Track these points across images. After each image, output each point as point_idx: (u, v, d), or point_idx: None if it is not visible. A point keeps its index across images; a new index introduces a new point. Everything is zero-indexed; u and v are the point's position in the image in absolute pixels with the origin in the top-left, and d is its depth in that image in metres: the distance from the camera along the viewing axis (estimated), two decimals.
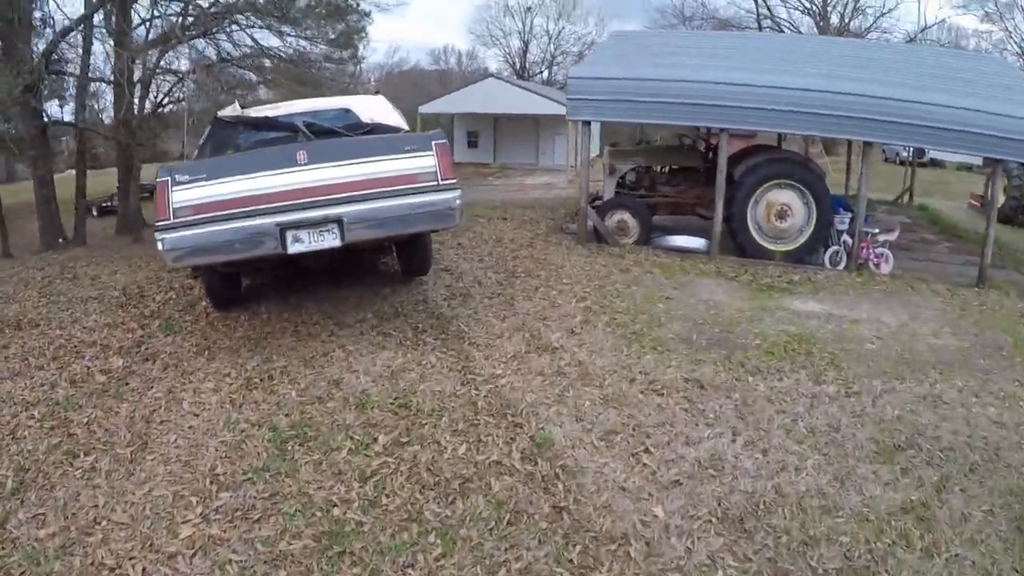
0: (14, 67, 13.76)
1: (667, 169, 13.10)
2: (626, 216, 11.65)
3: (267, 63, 20.55)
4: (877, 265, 10.75)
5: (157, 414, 5.79)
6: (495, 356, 6.65)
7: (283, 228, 6.26)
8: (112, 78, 16.91)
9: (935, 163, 33.31)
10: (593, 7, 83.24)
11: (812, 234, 11.07)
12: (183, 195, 6.20)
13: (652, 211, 12.08)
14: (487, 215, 14.02)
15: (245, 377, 6.37)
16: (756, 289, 9.30)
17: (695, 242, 11.27)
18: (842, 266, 10.76)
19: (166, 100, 21.15)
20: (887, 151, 33.18)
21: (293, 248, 6.33)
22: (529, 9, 64.99)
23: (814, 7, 43.21)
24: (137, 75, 17.27)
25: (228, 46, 19.31)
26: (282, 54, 19.79)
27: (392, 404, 5.73)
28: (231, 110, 8.39)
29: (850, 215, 11.06)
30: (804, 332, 7.48)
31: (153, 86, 19.79)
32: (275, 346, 7.00)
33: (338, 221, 6.30)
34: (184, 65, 19.93)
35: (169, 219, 6.18)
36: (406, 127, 7.92)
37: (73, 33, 16.51)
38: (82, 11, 16.54)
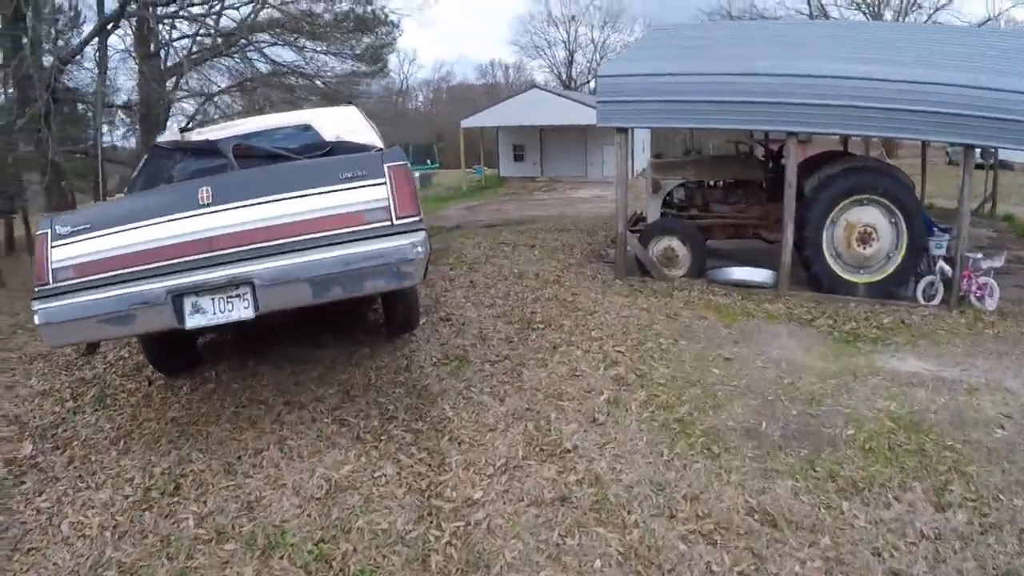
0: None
1: (721, 184, 10.75)
2: (674, 243, 9.57)
3: (293, 80, 18.95)
4: (980, 298, 8.41)
5: (30, 538, 4.50)
6: (479, 464, 4.83)
7: (176, 295, 4.59)
8: (128, 101, 15.72)
9: (1004, 165, 30.01)
10: (639, 13, 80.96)
11: (903, 262, 8.80)
12: (64, 252, 4.78)
13: (705, 235, 9.94)
14: (513, 242, 12.02)
15: (147, 486, 4.87)
16: (839, 340, 7.19)
17: (759, 274, 9.13)
18: (938, 300, 8.56)
19: (190, 124, 19.74)
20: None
21: (192, 321, 4.64)
22: (573, 18, 63.58)
23: (866, 2, 40.55)
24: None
25: (261, 65, 17.83)
26: (305, 71, 18.15)
27: (309, 555, 4.03)
28: (169, 134, 6.67)
29: (947, 236, 8.82)
30: (911, 412, 5.44)
31: (176, 109, 18.38)
32: (202, 436, 5.45)
33: (248, 284, 4.55)
34: (212, 87, 18.66)
35: (47, 283, 4.74)
36: (380, 144, 6.06)
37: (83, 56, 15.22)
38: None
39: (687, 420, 5.31)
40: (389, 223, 4.63)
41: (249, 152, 5.70)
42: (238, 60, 18.01)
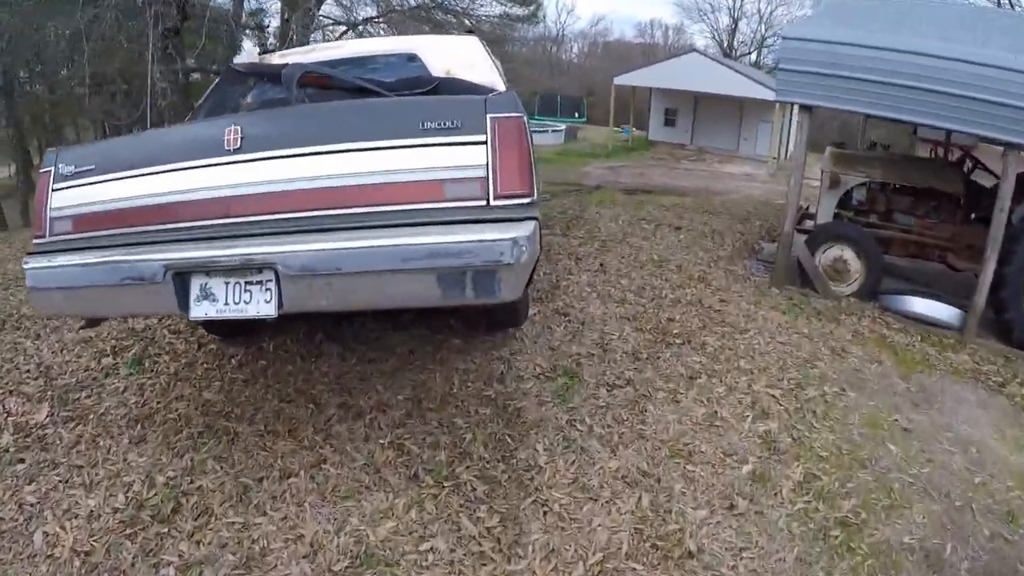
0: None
1: (910, 191, 8.53)
2: (847, 253, 7.75)
3: (440, 16, 17.64)
4: None
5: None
6: (565, 555, 3.47)
7: (179, 273, 3.33)
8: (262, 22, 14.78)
9: None
10: None
11: None
12: (64, 197, 3.73)
13: (883, 249, 8.08)
14: (656, 219, 10.32)
15: (143, 500, 3.82)
16: None
17: (944, 312, 7.22)
18: None
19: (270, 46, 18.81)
20: None
21: (199, 310, 3.36)
22: None
23: None
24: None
25: None
26: (452, 6, 16.80)
27: None
28: (246, 55, 5.39)
29: None
30: None
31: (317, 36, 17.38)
32: (228, 437, 4.34)
33: (271, 269, 3.23)
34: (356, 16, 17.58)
35: (44, 235, 3.76)
36: (501, 87, 4.60)
37: None
38: None
39: (852, 525, 3.81)
40: (484, 203, 3.21)
41: (325, 82, 4.35)
42: None
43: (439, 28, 17.71)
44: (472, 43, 5.28)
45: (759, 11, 60.65)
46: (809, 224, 8.67)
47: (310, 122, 3.48)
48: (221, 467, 3.99)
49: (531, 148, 3.43)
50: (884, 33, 6.78)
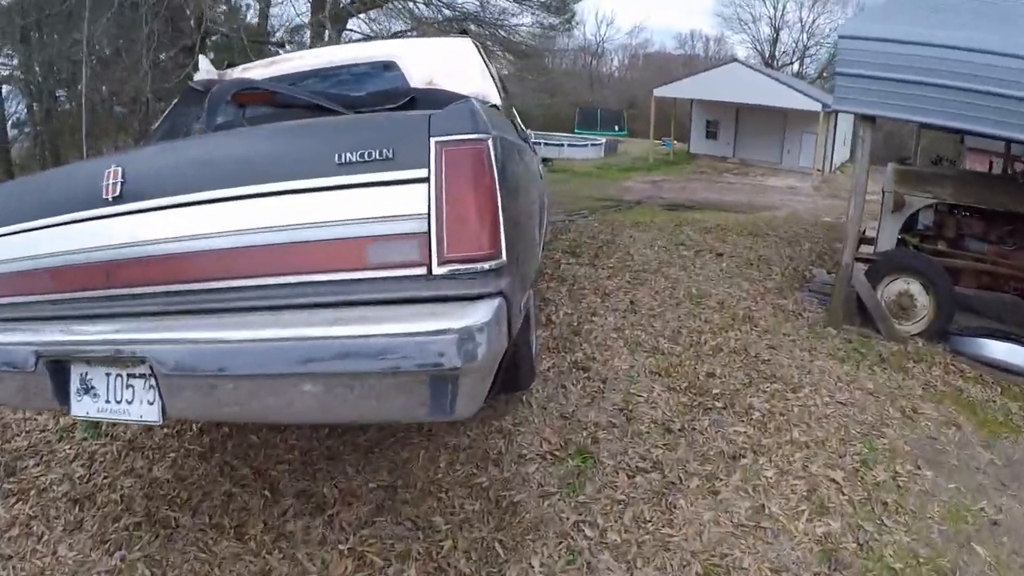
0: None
1: (983, 213, 7.27)
2: (914, 287, 6.60)
3: (474, 28, 16.71)
4: None
5: None
6: None
7: (53, 361, 2.46)
8: (281, 39, 14.01)
9: None
10: None
11: None
12: None
13: (952, 280, 6.93)
14: (695, 243, 9.24)
15: None
16: None
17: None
18: None
19: None
20: None
21: (79, 407, 2.50)
22: None
23: None
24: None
25: (423, 8, 15.73)
26: (484, 18, 15.87)
27: None
28: (204, 72, 4.52)
29: None
30: None
31: None
32: (167, 530, 3.47)
33: (147, 364, 2.32)
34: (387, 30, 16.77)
35: None
36: (495, 98, 3.63)
37: None
38: None
39: None
40: (423, 272, 2.29)
41: (269, 99, 3.41)
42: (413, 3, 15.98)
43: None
44: (463, 46, 4.30)
45: (801, 20, 58.95)
46: (866, 250, 7.46)
47: (198, 160, 2.52)
48: (151, 570, 3.12)
49: (506, 185, 2.44)
50: (974, 30, 5.58)
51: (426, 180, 2.24)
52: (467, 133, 2.28)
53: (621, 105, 50.48)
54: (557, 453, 4.02)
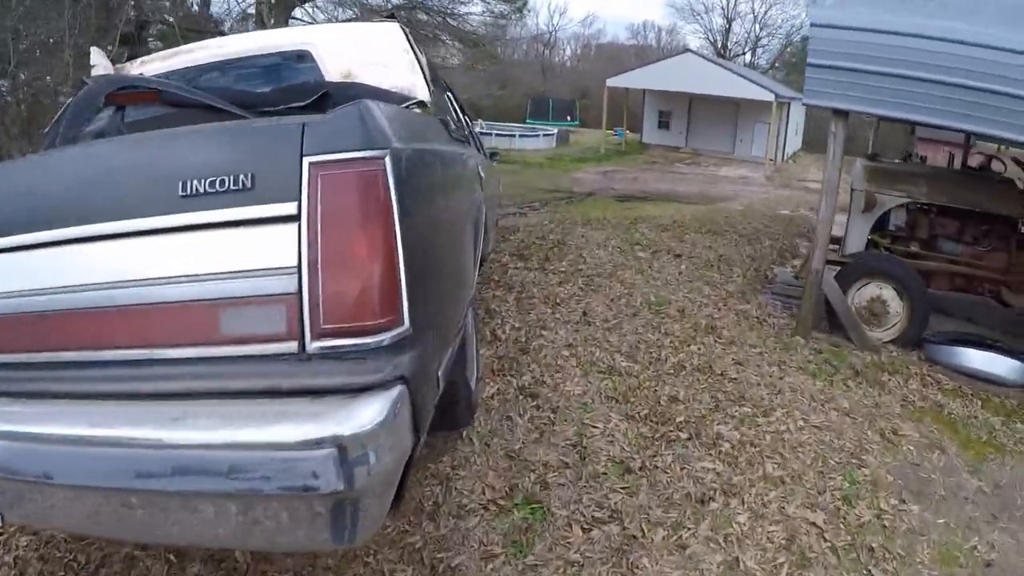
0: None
1: (956, 213, 6.78)
2: (887, 292, 6.15)
3: (424, 17, 16.00)
4: None
5: None
6: None
7: None
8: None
9: None
10: None
11: None
12: None
13: (925, 281, 6.50)
14: (652, 243, 8.70)
15: None
16: None
17: (1006, 367, 5.65)
18: None
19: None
20: None
21: None
22: None
23: None
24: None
25: None
26: (432, 6, 15.18)
27: None
28: (100, 67, 3.88)
29: None
30: None
31: None
32: None
33: None
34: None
35: None
36: (423, 93, 3.06)
37: None
38: None
39: None
40: (295, 349, 1.72)
41: (152, 99, 2.79)
42: None
43: (423, 31, 16.14)
44: (388, 33, 3.67)
45: (753, 11, 58.93)
46: (841, 254, 6.93)
47: (14, 190, 1.89)
48: None
49: (416, 216, 1.90)
50: (960, 20, 5.06)
51: (296, 218, 1.66)
52: (355, 150, 1.70)
53: (573, 95, 49.92)
54: (502, 502, 3.46)
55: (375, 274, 1.69)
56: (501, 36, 20.19)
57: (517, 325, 5.49)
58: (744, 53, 59.17)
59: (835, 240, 7.25)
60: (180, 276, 1.69)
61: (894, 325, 6.17)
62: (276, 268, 1.66)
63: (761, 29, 58.53)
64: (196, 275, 1.68)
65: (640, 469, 3.77)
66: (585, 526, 3.33)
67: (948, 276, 6.65)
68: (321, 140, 1.68)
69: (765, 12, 57.79)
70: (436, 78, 3.87)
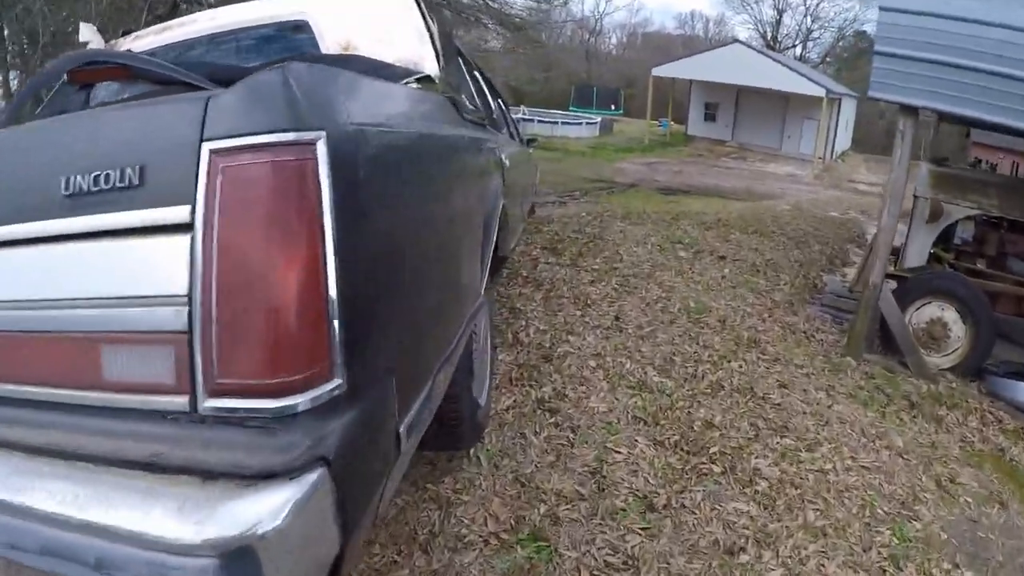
0: None
1: None
2: (948, 314, 5.62)
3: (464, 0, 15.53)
4: None
5: None
6: None
7: None
8: None
9: None
10: None
11: None
12: None
13: (991, 303, 5.89)
14: (694, 242, 8.20)
15: None
16: None
17: None
18: None
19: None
20: None
21: None
22: None
23: None
24: None
25: None
26: None
27: None
28: (91, 41, 3.50)
29: None
30: None
31: None
32: None
33: None
34: None
35: None
36: (431, 66, 2.61)
37: None
38: None
39: None
40: (183, 404, 1.26)
41: (123, 75, 2.36)
42: None
43: (470, 19, 15.65)
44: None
45: (804, 3, 57.27)
46: (899, 268, 6.36)
47: None
48: None
49: (375, 224, 1.49)
50: None
51: (189, 228, 1.23)
52: (272, 131, 1.24)
53: (618, 84, 49.19)
54: (505, 536, 3.04)
55: (293, 309, 1.24)
56: (545, 20, 19.60)
57: (542, 328, 5.05)
58: (794, 46, 57.81)
59: (894, 251, 6.70)
60: (55, 299, 1.28)
61: (954, 351, 5.63)
62: (163, 296, 1.24)
63: (812, 22, 57.16)
64: (75, 298, 1.27)
65: (664, 507, 3.33)
66: (595, 572, 2.90)
67: (1017, 299, 6.07)
68: (229, 119, 1.24)
69: (817, 4, 56.42)
70: (454, 53, 3.41)
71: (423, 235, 1.89)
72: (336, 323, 1.28)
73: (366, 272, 1.40)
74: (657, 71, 32.80)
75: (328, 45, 2.96)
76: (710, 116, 35.39)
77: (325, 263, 1.26)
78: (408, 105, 2.09)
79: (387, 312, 1.53)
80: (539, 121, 32.32)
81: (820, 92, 28.21)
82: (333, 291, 1.27)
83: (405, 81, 2.47)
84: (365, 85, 1.65)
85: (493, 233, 3.08)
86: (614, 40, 68.92)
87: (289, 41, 3.09)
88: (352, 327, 1.32)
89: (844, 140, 36.63)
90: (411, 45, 2.89)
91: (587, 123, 34.90)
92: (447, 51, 3.09)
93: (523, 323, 5.13)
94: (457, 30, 18.25)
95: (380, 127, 1.55)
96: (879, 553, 3.24)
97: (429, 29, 3.05)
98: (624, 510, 3.27)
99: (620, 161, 24.38)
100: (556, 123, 33.71)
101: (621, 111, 44.05)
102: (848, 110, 34.76)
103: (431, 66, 2.79)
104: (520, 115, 31.65)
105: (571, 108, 41.85)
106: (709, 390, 4.51)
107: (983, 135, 8.92)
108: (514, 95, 41.63)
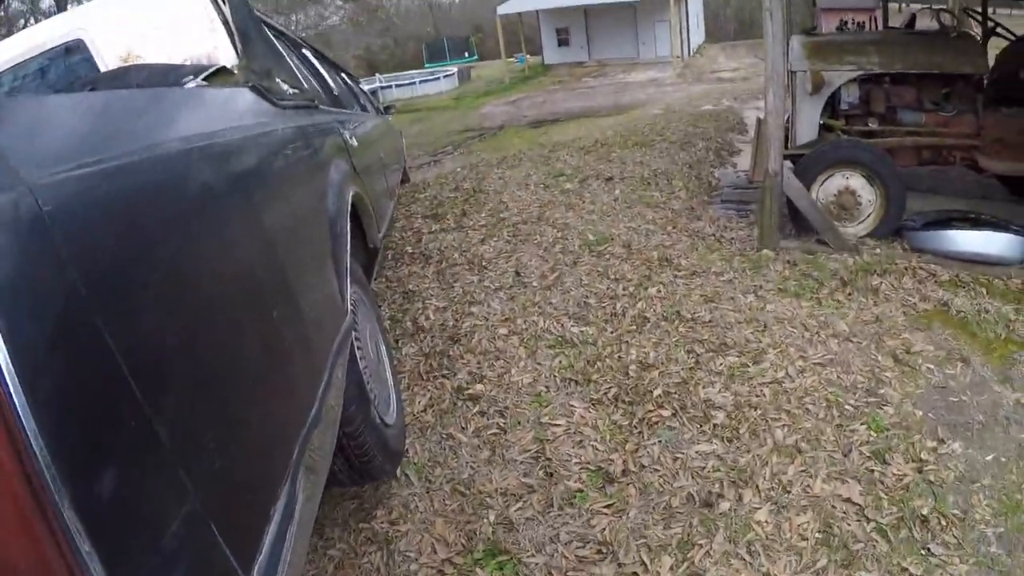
0: None
1: (911, 79, 5.96)
2: (854, 180, 5.37)
3: None
4: None
5: None
6: None
7: None
8: None
9: None
10: None
11: None
12: None
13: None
14: (578, 170, 7.82)
15: None
16: None
17: (999, 243, 4.99)
18: None
19: None
20: None
21: None
22: None
23: None
24: None
25: None
26: None
27: None
28: None
29: None
30: None
31: None
32: None
33: None
34: None
35: None
36: (228, 58, 2.06)
37: None
38: None
39: None
40: None
41: None
42: None
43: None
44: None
45: None
46: (797, 149, 6.09)
47: None
48: None
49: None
50: None
51: None
52: None
53: (467, 31, 48.46)
54: (459, 560, 2.63)
55: None
56: None
57: (441, 305, 4.60)
58: None
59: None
60: None
61: (868, 216, 5.42)
62: None
63: None
64: None
65: (623, 474, 2.95)
66: (570, 574, 2.50)
67: (914, 150, 5.89)
68: None
69: None
70: (261, 35, 2.87)
71: (217, 296, 1.35)
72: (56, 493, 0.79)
73: (101, 400, 0.90)
74: (502, 9, 32.21)
75: (108, 61, 2.45)
76: (563, 41, 35.12)
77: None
78: (164, 114, 1.51)
79: (176, 437, 1.04)
80: (397, 86, 31.86)
81: None
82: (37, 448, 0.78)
83: (185, 80, 1.95)
84: (57, 110, 1.12)
85: (346, 233, 2.52)
86: None
87: (64, 67, 2.57)
88: (91, 492, 0.83)
89: (698, 35, 36.90)
90: (202, 38, 2.39)
91: (445, 76, 34.24)
92: (248, 34, 2.57)
93: (420, 305, 4.65)
94: (294, 11, 17.34)
95: (93, 168, 1.02)
96: (861, 453, 2.96)
97: (223, 12, 2.52)
98: (581, 491, 2.88)
99: (484, 105, 23.86)
100: (414, 83, 33.08)
101: (475, 57, 43.47)
102: (695, 4, 35.00)
103: (227, 56, 2.29)
104: (377, 84, 30.86)
105: (426, 65, 41.09)
106: (634, 326, 4.14)
107: (830, 2, 8.79)
108: (368, 66, 40.57)
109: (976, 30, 6.55)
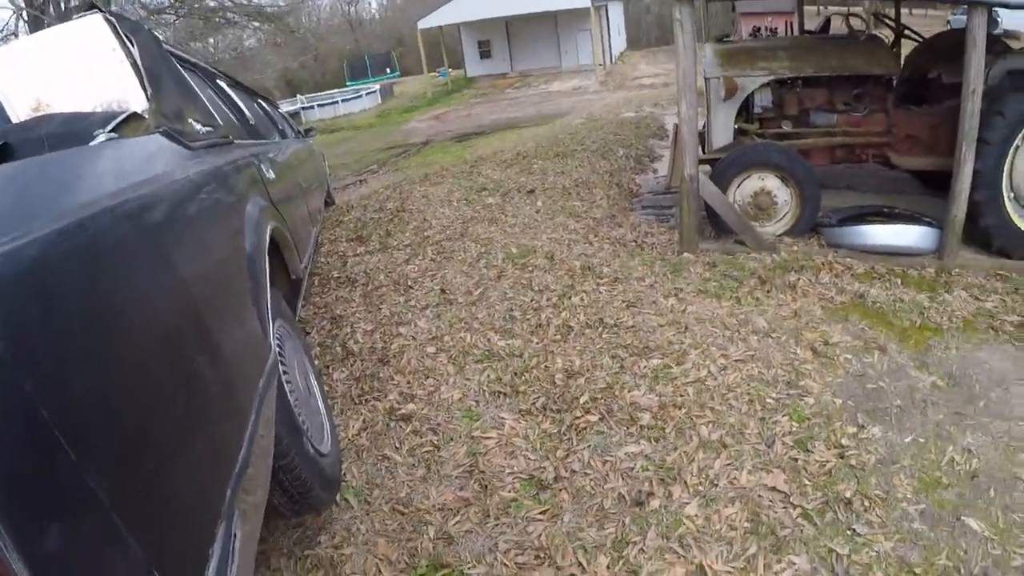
0: None
1: (823, 81, 6.23)
2: (770, 182, 5.61)
3: (209, 2, 14.54)
4: None
5: None
6: None
7: None
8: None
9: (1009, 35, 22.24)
10: None
11: None
12: None
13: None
14: (499, 184, 7.95)
15: None
16: None
17: (910, 235, 5.26)
18: None
19: None
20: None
21: None
22: None
23: None
24: None
25: None
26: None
27: None
28: None
29: None
30: None
31: None
32: None
33: None
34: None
35: None
36: (137, 102, 2.08)
37: None
38: None
39: None
40: None
41: None
42: None
43: (212, 15, 14.62)
44: (87, 31, 2.65)
45: None
46: (714, 153, 6.32)
47: None
48: None
49: None
50: None
51: None
52: None
53: (389, 46, 48.47)
54: None
55: None
56: (297, 5, 18.84)
57: (369, 328, 4.65)
58: None
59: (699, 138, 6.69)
60: None
61: (785, 215, 5.66)
62: None
63: None
64: None
65: (555, 480, 3.05)
66: None
67: (828, 150, 6.17)
68: None
69: None
70: (171, 71, 2.89)
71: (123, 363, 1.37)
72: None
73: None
74: (423, 23, 32.28)
75: (18, 112, 2.43)
76: (485, 53, 35.42)
77: None
78: (73, 178, 1.52)
79: (109, 489, 1.09)
80: (319, 106, 31.84)
81: (586, 3, 28.61)
82: None
83: (96, 132, 1.98)
84: None
85: (264, 270, 2.52)
86: (374, 5, 67.47)
87: None
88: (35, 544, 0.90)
89: (619, 42, 37.61)
90: (111, 82, 2.39)
91: (367, 93, 34.19)
92: (157, 74, 2.60)
93: (348, 330, 4.70)
94: (210, 35, 17.13)
95: (8, 246, 1.05)
96: (784, 443, 3.11)
97: (132, 53, 2.54)
98: (516, 500, 2.97)
99: (408, 121, 23.90)
100: (336, 102, 32.97)
101: (397, 73, 43.50)
102: (616, 13, 35.66)
103: (137, 99, 2.31)
104: (299, 106, 30.67)
105: (348, 83, 40.96)
106: (559, 336, 4.26)
107: (747, 5, 9.11)
108: (289, 87, 40.23)
109: (887, 33, 6.89)
